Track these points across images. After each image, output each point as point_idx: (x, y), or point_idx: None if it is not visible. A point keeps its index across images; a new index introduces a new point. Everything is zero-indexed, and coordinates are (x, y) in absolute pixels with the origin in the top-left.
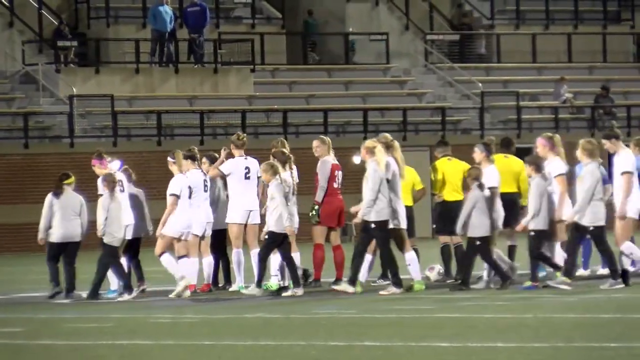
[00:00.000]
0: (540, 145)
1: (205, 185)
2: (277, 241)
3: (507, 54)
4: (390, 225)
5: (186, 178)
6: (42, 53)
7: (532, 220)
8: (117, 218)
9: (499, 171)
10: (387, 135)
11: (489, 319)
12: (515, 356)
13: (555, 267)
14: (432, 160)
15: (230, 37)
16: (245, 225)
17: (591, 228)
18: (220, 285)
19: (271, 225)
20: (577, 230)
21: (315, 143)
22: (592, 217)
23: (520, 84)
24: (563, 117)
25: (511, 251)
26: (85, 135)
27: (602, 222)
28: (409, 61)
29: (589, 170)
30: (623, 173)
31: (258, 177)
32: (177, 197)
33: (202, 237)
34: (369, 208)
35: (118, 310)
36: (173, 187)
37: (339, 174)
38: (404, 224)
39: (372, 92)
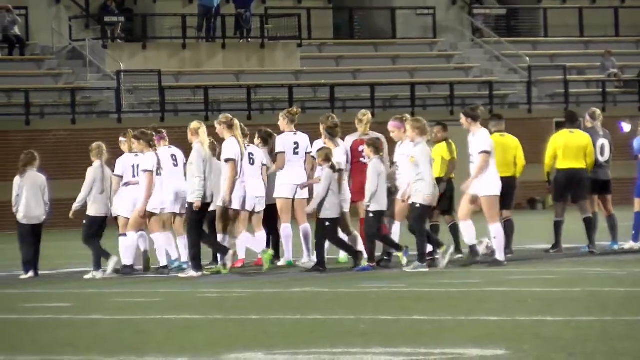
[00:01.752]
0: (393, 128)
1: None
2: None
3: (554, 28)
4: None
5: (135, 157)
6: (89, 29)
7: (371, 202)
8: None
9: (565, 146)
10: (228, 115)
11: (536, 292)
12: (564, 330)
13: (397, 247)
14: None
15: (277, 11)
16: (294, 200)
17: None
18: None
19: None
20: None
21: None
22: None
23: (567, 58)
24: (610, 90)
25: (588, 224)
26: (133, 111)
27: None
28: (456, 35)
29: (418, 149)
30: (480, 152)
31: (307, 153)
32: (150, 172)
33: (252, 212)
34: (198, 190)
35: (165, 285)
36: (117, 167)
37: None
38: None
39: (419, 67)
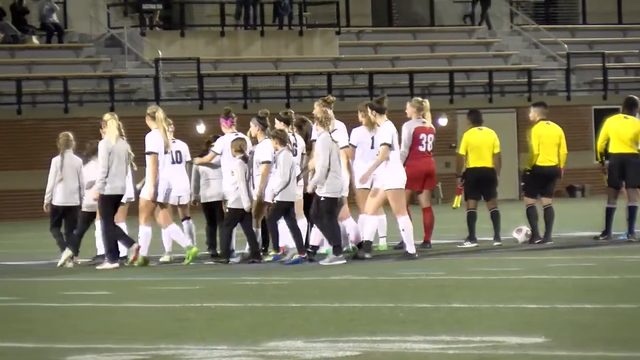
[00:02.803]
0: (252, 125)
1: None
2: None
3: (592, 15)
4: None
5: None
6: (127, 16)
7: (280, 191)
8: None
9: (616, 131)
10: (154, 106)
11: (575, 280)
12: (602, 317)
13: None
14: (519, 122)
15: None
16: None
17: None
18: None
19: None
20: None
21: (407, 105)
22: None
23: (606, 45)
24: None
25: (632, 212)
26: (171, 99)
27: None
28: (494, 23)
29: (321, 139)
30: (381, 144)
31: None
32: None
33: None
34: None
35: (205, 273)
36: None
37: (427, 136)
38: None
39: (457, 54)
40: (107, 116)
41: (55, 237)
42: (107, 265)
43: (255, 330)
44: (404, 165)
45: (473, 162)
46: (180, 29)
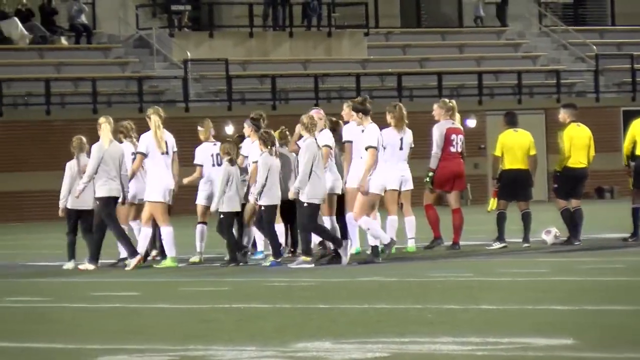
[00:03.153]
0: (245, 126)
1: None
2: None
3: (621, 17)
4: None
5: (214, 146)
6: (155, 17)
7: (262, 195)
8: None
9: None
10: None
11: (603, 281)
12: (631, 319)
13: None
14: (547, 124)
15: (344, 0)
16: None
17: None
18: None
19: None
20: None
21: (434, 106)
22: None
23: (635, 47)
24: None
25: None
26: (200, 100)
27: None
28: (523, 24)
29: (306, 145)
30: (367, 148)
31: None
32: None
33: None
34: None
35: (233, 274)
36: (197, 157)
37: (458, 137)
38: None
39: (486, 55)
40: (101, 119)
41: (68, 244)
42: (133, 261)
43: (284, 332)
44: (435, 168)
45: (509, 164)
46: (209, 30)
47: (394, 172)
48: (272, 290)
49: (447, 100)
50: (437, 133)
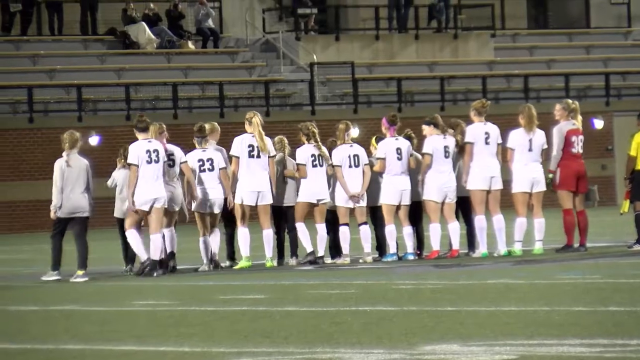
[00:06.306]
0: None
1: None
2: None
3: None
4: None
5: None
6: (282, 21)
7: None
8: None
9: None
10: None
11: None
12: None
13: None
14: None
15: (471, 1)
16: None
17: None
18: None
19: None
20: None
21: (556, 106)
22: None
23: None
24: None
25: None
26: (326, 103)
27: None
28: None
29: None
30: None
31: (498, 144)
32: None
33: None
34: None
35: (360, 276)
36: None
37: (578, 138)
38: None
39: (613, 56)
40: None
41: (52, 249)
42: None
43: (411, 334)
44: (555, 169)
45: None
46: (335, 33)
47: (524, 174)
48: (399, 292)
49: (570, 101)
50: (557, 134)
